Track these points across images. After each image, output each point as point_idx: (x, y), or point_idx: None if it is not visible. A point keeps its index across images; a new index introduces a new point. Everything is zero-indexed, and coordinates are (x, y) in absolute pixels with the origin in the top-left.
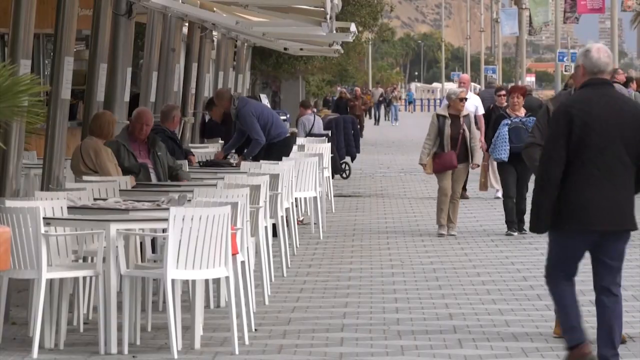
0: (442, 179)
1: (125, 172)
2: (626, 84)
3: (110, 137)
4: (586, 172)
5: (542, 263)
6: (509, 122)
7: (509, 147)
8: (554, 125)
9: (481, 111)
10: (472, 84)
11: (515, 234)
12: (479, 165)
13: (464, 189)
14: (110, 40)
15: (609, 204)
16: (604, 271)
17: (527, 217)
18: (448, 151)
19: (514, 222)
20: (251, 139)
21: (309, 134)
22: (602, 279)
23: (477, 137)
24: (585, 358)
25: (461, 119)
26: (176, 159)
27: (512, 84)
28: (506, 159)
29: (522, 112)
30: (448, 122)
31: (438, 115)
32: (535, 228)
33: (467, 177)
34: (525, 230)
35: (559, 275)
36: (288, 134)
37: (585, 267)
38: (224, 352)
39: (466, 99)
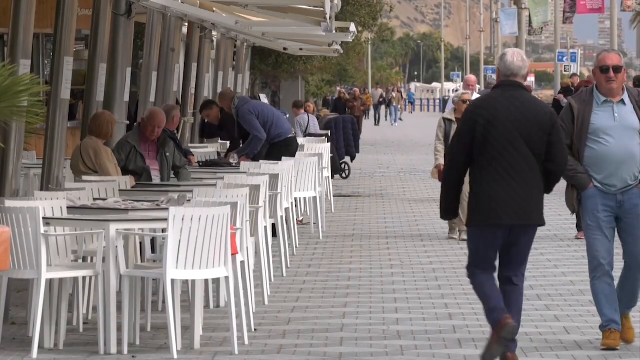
0: None
1: (128, 173)
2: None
3: (110, 137)
4: (491, 170)
5: (541, 263)
6: None
7: None
8: (460, 124)
9: None
10: None
11: None
12: None
13: None
14: (109, 40)
15: (512, 200)
16: (507, 263)
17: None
18: None
19: None
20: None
21: (307, 134)
22: (505, 270)
23: None
24: (507, 327)
25: None
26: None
27: None
28: None
29: None
30: (454, 126)
31: (445, 119)
32: (442, 215)
33: None
34: None
35: (477, 269)
36: (290, 135)
37: (583, 267)
38: (224, 352)
39: (470, 102)
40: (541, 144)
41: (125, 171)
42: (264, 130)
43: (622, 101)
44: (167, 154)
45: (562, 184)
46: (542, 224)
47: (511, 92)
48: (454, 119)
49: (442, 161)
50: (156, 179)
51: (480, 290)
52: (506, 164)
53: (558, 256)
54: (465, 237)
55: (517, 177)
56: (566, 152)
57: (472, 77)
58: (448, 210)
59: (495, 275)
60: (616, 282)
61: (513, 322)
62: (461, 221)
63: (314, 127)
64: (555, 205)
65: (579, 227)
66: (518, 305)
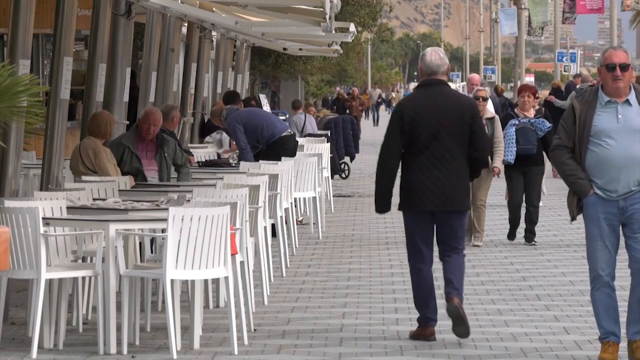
0: None
1: (123, 175)
2: None
3: (109, 136)
4: (417, 161)
5: (541, 263)
6: (517, 122)
7: (515, 149)
8: (390, 120)
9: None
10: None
11: (513, 241)
12: (499, 169)
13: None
14: (109, 41)
15: (436, 188)
16: (442, 242)
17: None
18: None
19: (516, 229)
20: (259, 145)
21: (303, 134)
22: (441, 247)
23: (501, 143)
24: (427, 337)
25: (484, 121)
26: None
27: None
28: (512, 161)
29: (531, 112)
30: None
31: None
32: (377, 209)
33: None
34: (536, 242)
35: (413, 255)
36: (285, 133)
37: (582, 267)
38: (223, 352)
39: (485, 99)
40: (463, 133)
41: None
42: (256, 134)
43: (628, 101)
44: (167, 154)
45: (559, 186)
46: (466, 209)
47: (433, 89)
48: None
49: None
50: (154, 180)
51: (416, 287)
52: (430, 156)
53: (558, 256)
54: (478, 242)
55: (441, 167)
56: (487, 139)
57: (475, 76)
58: (383, 204)
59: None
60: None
61: (434, 337)
62: (474, 227)
63: (311, 127)
64: (555, 205)
65: None
66: (460, 270)
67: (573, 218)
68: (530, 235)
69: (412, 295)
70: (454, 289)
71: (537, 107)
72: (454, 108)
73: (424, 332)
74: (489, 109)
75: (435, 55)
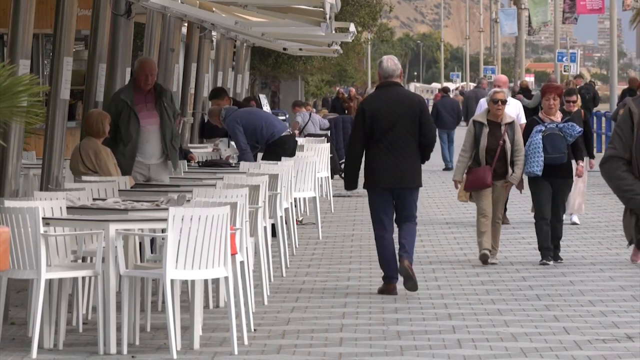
0: (480, 199)
1: (119, 131)
2: None
3: (104, 134)
4: (376, 147)
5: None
6: (543, 128)
7: (542, 159)
8: (356, 115)
9: (523, 120)
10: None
11: (551, 263)
12: (516, 185)
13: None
14: (109, 41)
15: (392, 169)
16: (399, 212)
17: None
18: (482, 166)
19: (549, 249)
20: (258, 145)
21: (303, 134)
22: (399, 214)
23: (521, 151)
24: (390, 292)
25: (502, 127)
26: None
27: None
28: (540, 173)
29: (558, 116)
30: (486, 130)
31: (475, 122)
32: (346, 187)
33: (507, 197)
34: (562, 259)
35: (376, 225)
36: (285, 133)
37: (582, 267)
38: (223, 352)
39: (503, 102)
40: (414, 125)
41: (116, 128)
42: (256, 134)
43: None
44: (166, 104)
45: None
46: (416, 186)
47: (389, 89)
48: (485, 122)
49: (459, 176)
50: (154, 131)
51: (379, 251)
52: (387, 143)
53: None
54: (494, 260)
55: (395, 153)
56: (434, 128)
57: (501, 77)
58: (352, 183)
59: (393, 232)
60: None
61: (395, 292)
62: (494, 248)
63: (313, 126)
64: None
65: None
66: (411, 236)
67: (631, 241)
68: (555, 252)
69: (377, 258)
70: (405, 252)
71: (578, 108)
72: (406, 104)
73: (388, 287)
74: (508, 113)
75: (390, 62)
